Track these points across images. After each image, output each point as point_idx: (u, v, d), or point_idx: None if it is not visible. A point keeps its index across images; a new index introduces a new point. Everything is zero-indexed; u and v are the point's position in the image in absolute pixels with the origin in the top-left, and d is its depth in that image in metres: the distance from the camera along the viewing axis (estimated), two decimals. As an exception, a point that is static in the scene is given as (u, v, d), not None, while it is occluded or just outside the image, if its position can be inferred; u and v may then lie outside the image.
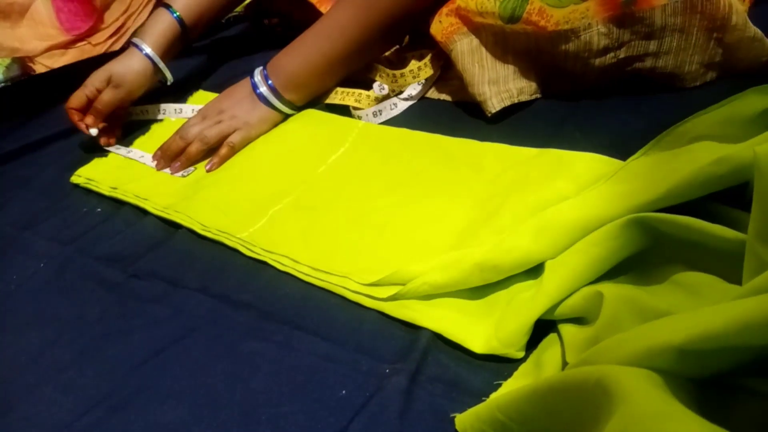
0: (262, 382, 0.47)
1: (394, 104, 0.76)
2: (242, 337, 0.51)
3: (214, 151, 0.75)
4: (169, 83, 0.86)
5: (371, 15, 0.72)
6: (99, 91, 0.80)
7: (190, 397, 0.47)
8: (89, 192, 0.75)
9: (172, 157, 0.76)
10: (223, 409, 0.46)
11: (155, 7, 0.88)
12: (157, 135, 0.83)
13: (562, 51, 0.64)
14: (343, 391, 0.45)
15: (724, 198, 0.43)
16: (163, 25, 0.83)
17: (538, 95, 0.71)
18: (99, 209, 0.72)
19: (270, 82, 0.76)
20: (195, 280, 0.58)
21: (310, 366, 0.47)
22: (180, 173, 0.74)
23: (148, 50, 0.82)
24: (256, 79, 0.77)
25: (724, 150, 0.42)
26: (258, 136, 0.77)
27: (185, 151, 0.75)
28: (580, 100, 0.68)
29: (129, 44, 0.84)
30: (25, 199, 0.77)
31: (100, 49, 1.11)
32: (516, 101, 0.69)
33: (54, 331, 0.56)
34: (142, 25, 0.85)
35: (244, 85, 0.78)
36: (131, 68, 0.81)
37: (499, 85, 0.68)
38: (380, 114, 0.75)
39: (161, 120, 0.86)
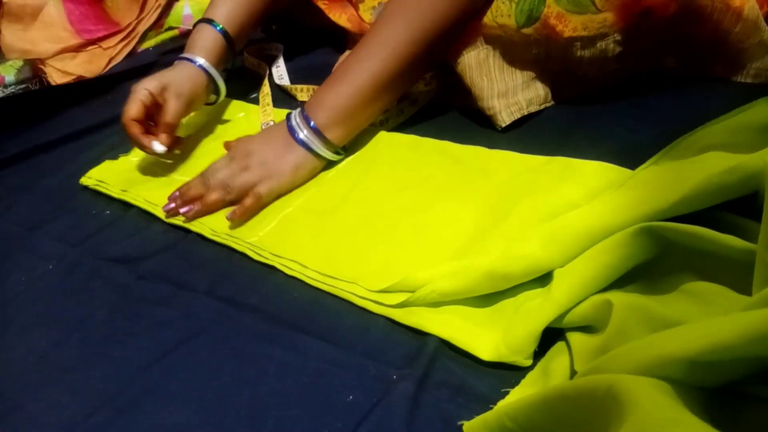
0: (268, 386, 0.47)
1: (400, 110, 0.76)
2: (249, 341, 0.51)
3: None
4: (220, 100, 0.81)
5: (424, 25, 0.65)
6: (155, 100, 0.72)
7: (196, 400, 0.47)
8: (98, 194, 0.75)
9: (188, 201, 0.67)
10: (229, 412, 0.46)
11: (195, 24, 0.82)
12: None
13: (577, 57, 0.64)
14: (350, 396, 0.45)
15: (734, 207, 0.43)
16: (209, 39, 0.79)
17: (549, 103, 0.71)
18: (108, 211, 0.72)
19: (312, 123, 0.66)
20: (203, 283, 0.58)
21: (317, 370, 0.48)
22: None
23: (201, 61, 0.77)
24: (293, 122, 0.68)
25: (734, 159, 0.42)
26: (290, 188, 0.67)
27: (203, 198, 0.66)
28: (587, 108, 0.68)
29: (177, 59, 0.78)
30: (34, 200, 0.78)
31: (111, 53, 1.12)
32: (526, 113, 0.69)
33: (61, 332, 0.56)
34: (186, 42, 0.80)
35: (279, 127, 0.70)
36: (189, 78, 0.75)
37: (508, 97, 0.68)
38: (387, 122, 0.75)
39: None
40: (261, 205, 0.66)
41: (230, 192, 0.66)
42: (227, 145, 0.74)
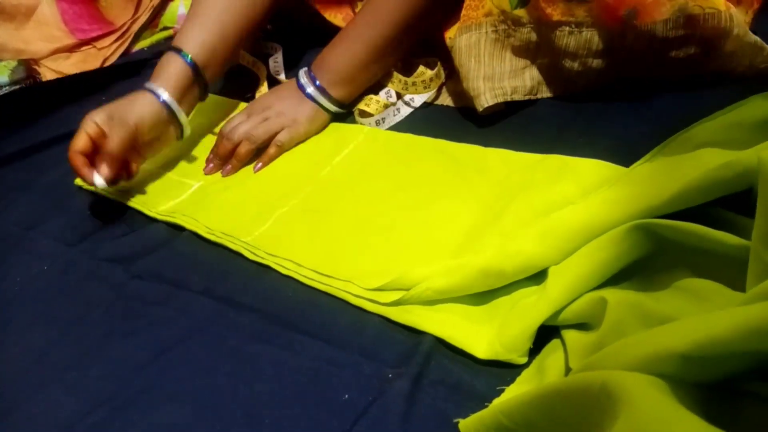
0: (265, 385, 0.47)
1: (397, 110, 0.76)
2: (245, 340, 0.51)
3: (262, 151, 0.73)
4: (184, 137, 0.75)
5: None
6: (102, 131, 0.67)
7: (193, 399, 0.47)
8: (93, 194, 0.75)
9: (223, 158, 0.73)
10: (225, 411, 0.46)
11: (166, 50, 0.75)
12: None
13: (562, 46, 0.64)
14: (346, 395, 0.45)
15: (729, 204, 0.44)
16: (175, 71, 0.72)
17: (532, 96, 0.71)
18: (103, 211, 0.72)
19: (317, 82, 0.74)
20: (199, 283, 0.58)
21: (313, 369, 0.48)
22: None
23: (166, 97, 0.71)
24: (302, 80, 0.75)
25: (729, 155, 0.42)
26: (306, 136, 0.75)
27: (235, 152, 0.73)
28: (582, 106, 0.68)
29: (140, 88, 0.73)
30: (30, 200, 0.78)
31: (105, 53, 1.12)
32: (509, 99, 0.69)
33: (58, 332, 0.56)
34: (155, 69, 0.74)
35: (288, 84, 0.77)
36: (140, 108, 0.70)
37: (494, 81, 0.68)
38: (383, 122, 0.75)
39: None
40: (282, 151, 0.74)
41: (255, 142, 0.72)
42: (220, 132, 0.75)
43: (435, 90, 0.77)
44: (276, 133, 0.73)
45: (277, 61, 0.90)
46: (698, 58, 0.63)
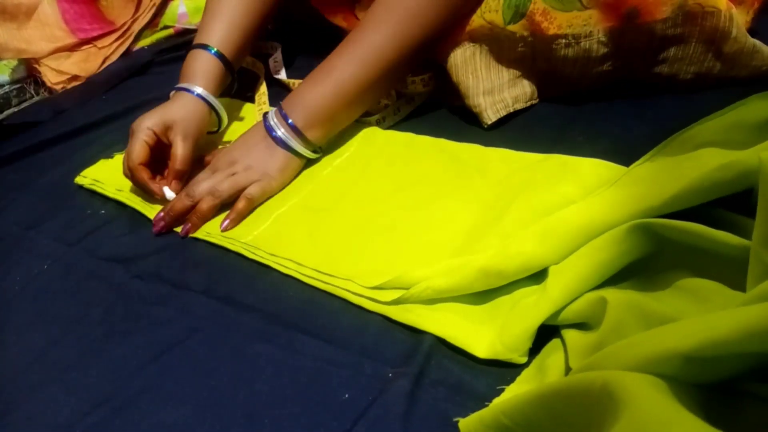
0: (265, 385, 0.47)
1: (397, 109, 0.76)
2: (246, 340, 0.51)
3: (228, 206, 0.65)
4: (220, 129, 0.77)
5: (411, 31, 0.64)
6: (158, 138, 0.69)
7: (193, 399, 0.47)
8: (93, 193, 0.75)
9: (177, 217, 0.65)
10: (226, 410, 0.46)
11: (188, 49, 0.77)
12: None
13: (561, 56, 0.65)
14: (347, 395, 0.45)
15: (729, 204, 0.44)
16: (205, 65, 0.74)
17: (534, 101, 0.71)
18: (103, 211, 0.72)
19: (290, 120, 0.66)
20: (199, 283, 0.58)
21: (314, 369, 0.48)
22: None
23: (199, 90, 0.72)
24: (271, 121, 0.67)
25: (729, 156, 0.42)
26: (279, 189, 0.67)
27: (196, 208, 0.64)
28: (583, 106, 0.68)
29: (174, 90, 0.74)
30: (30, 199, 0.78)
31: (106, 52, 1.12)
32: (512, 110, 0.69)
33: (58, 331, 0.56)
34: (182, 70, 0.75)
35: (256, 129, 0.69)
36: (193, 113, 0.70)
37: (494, 95, 0.68)
38: (384, 121, 0.75)
39: None
40: (253, 206, 0.65)
41: (220, 197, 0.64)
42: (206, 160, 0.72)
43: (433, 86, 0.77)
44: (244, 188, 0.65)
45: (276, 60, 0.90)
46: (698, 60, 0.63)
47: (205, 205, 0.64)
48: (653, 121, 0.64)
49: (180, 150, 0.68)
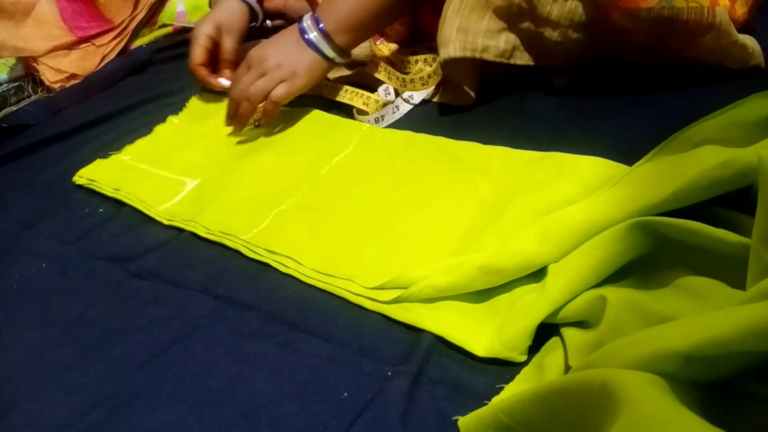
0: (264, 383, 0.47)
1: (396, 107, 0.76)
2: (244, 338, 0.51)
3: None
4: (258, 23, 0.90)
5: None
6: (213, 41, 0.81)
7: (191, 398, 0.47)
8: (91, 192, 0.75)
9: (232, 116, 0.77)
10: (224, 409, 0.46)
11: None
12: (159, 139, 0.83)
13: (545, 13, 0.64)
14: (345, 393, 0.45)
15: (729, 202, 0.43)
16: None
17: (504, 59, 0.70)
18: (101, 209, 0.72)
19: (321, 26, 0.73)
20: (197, 281, 0.58)
21: (312, 367, 0.47)
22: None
23: None
24: (305, 24, 0.74)
25: (728, 153, 0.42)
26: (304, 89, 0.75)
27: (238, 113, 0.75)
28: (582, 104, 0.68)
29: None
30: (27, 199, 0.77)
31: (104, 51, 1.12)
32: (478, 56, 0.68)
33: (56, 331, 0.56)
34: None
35: (291, 31, 0.76)
36: (236, 13, 0.84)
37: (467, 35, 0.67)
38: (382, 120, 0.75)
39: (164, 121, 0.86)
40: (279, 107, 0.74)
41: (254, 102, 0.74)
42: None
43: (433, 87, 0.77)
44: (271, 89, 0.73)
45: None
46: (678, 47, 0.63)
47: (242, 109, 0.75)
48: (652, 119, 0.64)
49: (227, 44, 0.82)
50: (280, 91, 0.73)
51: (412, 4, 0.78)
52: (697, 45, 0.62)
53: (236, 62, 0.81)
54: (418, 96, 0.77)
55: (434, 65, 0.76)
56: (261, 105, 0.75)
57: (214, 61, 0.84)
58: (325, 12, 0.74)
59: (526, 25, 0.67)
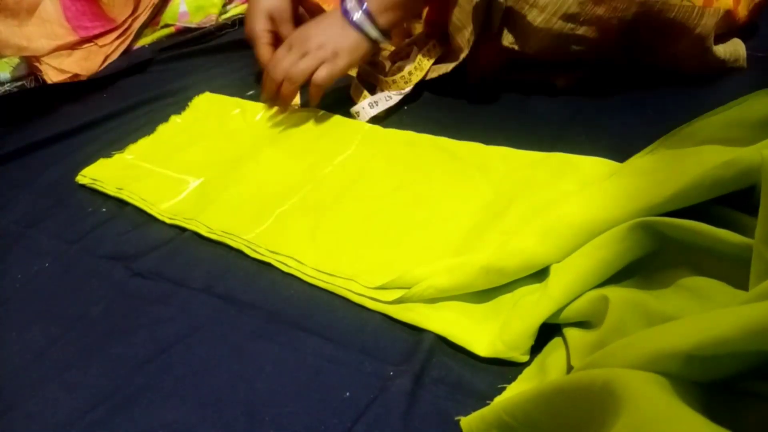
0: (266, 383, 0.47)
1: (389, 96, 0.76)
2: (246, 338, 0.51)
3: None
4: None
5: None
6: (273, 34, 0.80)
7: (194, 397, 0.47)
8: (94, 191, 0.75)
9: (272, 96, 0.77)
10: (226, 408, 0.46)
11: None
12: (162, 138, 0.83)
13: None
14: (347, 393, 0.45)
15: (731, 202, 0.43)
16: None
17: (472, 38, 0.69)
18: (104, 209, 0.72)
19: (365, 6, 0.72)
20: (200, 280, 0.58)
21: (314, 367, 0.47)
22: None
23: None
24: (348, 5, 0.73)
25: (731, 153, 0.42)
26: (346, 70, 0.74)
27: (279, 93, 0.75)
28: (584, 103, 0.68)
29: None
30: (30, 197, 0.77)
31: (107, 50, 1.12)
32: None
33: (58, 329, 0.56)
34: None
35: (333, 12, 0.75)
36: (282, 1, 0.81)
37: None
38: (376, 105, 0.75)
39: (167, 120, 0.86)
40: (324, 89, 0.74)
41: (295, 82, 0.73)
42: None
43: (417, 81, 0.78)
44: (314, 70, 0.73)
45: None
46: (658, 44, 0.64)
47: (285, 90, 0.75)
48: (654, 119, 0.64)
49: (286, 34, 0.79)
50: (322, 73, 0.72)
51: None
52: (671, 49, 0.62)
53: None
54: (407, 89, 0.78)
55: (415, 61, 0.77)
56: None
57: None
58: None
59: (511, 2, 0.66)
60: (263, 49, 0.80)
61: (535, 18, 0.65)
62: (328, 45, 0.73)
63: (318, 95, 0.74)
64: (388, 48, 0.84)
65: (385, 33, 0.74)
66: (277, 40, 0.81)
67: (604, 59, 0.67)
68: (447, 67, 0.75)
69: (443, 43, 0.78)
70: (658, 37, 0.63)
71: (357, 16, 0.72)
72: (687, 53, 0.63)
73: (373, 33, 0.73)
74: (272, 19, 0.80)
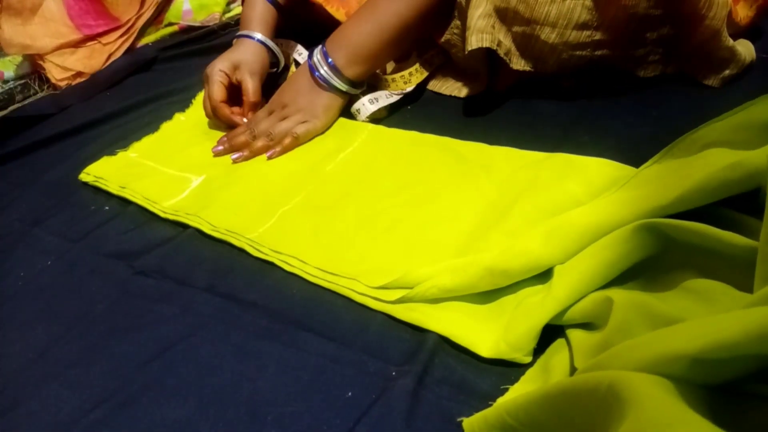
0: (268, 382, 0.47)
1: (389, 94, 0.76)
2: (249, 337, 0.51)
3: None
4: (279, 69, 0.88)
5: None
6: (230, 80, 0.80)
7: (196, 396, 0.47)
8: (97, 190, 0.75)
9: (237, 148, 0.75)
10: (229, 407, 0.46)
11: None
12: (166, 136, 0.83)
13: (543, 13, 0.64)
14: (350, 393, 0.45)
15: (736, 204, 0.43)
16: (262, 12, 0.84)
17: (507, 59, 0.68)
18: (107, 207, 0.72)
19: (330, 60, 0.73)
20: (202, 279, 0.58)
21: (317, 366, 0.47)
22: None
23: (259, 36, 0.83)
24: (314, 59, 0.74)
25: (736, 155, 0.42)
26: (323, 129, 0.75)
27: (251, 145, 0.74)
28: (588, 105, 0.68)
29: (236, 37, 0.85)
30: (33, 196, 0.78)
31: (111, 49, 1.12)
32: (494, 48, 0.67)
33: (61, 328, 0.56)
34: (241, 17, 0.87)
35: (303, 71, 0.76)
36: (255, 54, 0.82)
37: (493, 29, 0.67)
38: (377, 101, 0.75)
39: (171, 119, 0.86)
40: (298, 144, 0.74)
41: (273, 139, 0.74)
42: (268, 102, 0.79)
43: (415, 84, 0.78)
44: (292, 129, 0.74)
45: (300, 54, 0.91)
46: (670, 41, 0.64)
47: (260, 143, 0.74)
48: (659, 120, 0.63)
49: (250, 85, 0.79)
50: (301, 129, 0.73)
51: (429, 27, 0.76)
52: (687, 34, 0.62)
53: (259, 104, 0.80)
54: (409, 85, 0.78)
55: (415, 65, 0.77)
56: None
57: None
58: (335, 44, 0.73)
59: (519, 25, 0.66)
60: (216, 88, 0.79)
61: (549, 35, 0.65)
62: (306, 109, 0.74)
63: (291, 146, 0.74)
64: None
65: (356, 84, 0.75)
66: (231, 94, 0.81)
67: (621, 61, 0.67)
68: (461, 91, 0.76)
69: (446, 53, 0.79)
70: (672, 28, 0.63)
71: (323, 71, 0.73)
72: (702, 49, 0.63)
73: (343, 87, 0.74)
74: (236, 67, 0.80)
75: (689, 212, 0.43)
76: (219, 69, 0.79)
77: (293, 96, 0.75)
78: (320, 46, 0.74)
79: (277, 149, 0.73)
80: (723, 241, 0.39)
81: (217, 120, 0.80)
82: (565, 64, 0.67)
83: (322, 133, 0.75)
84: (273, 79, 0.88)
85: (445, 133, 0.69)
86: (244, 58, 0.81)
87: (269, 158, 0.72)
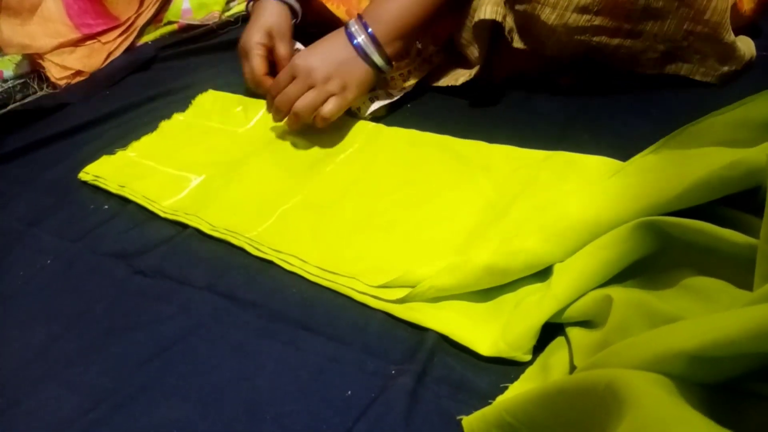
0: (267, 381, 0.47)
1: (389, 92, 0.76)
2: (248, 336, 0.51)
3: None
4: (298, 20, 0.85)
5: None
6: (268, 48, 0.78)
7: (195, 395, 0.47)
8: (96, 189, 0.75)
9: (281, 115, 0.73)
10: (228, 406, 0.46)
11: None
12: (165, 136, 0.83)
13: None
14: (349, 392, 0.45)
15: (736, 202, 0.43)
16: None
17: (509, 36, 0.68)
18: (106, 206, 0.72)
19: (370, 30, 0.69)
20: (201, 278, 0.58)
21: (316, 365, 0.47)
22: None
23: None
24: (352, 28, 0.70)
25: (736, 154, 0.42)
26: (353, 103, 0.72)
27: (287, 123, 0.72)
28: (587, 102, 0.68)
29: (251, 2, 0.83)
30: (32, 195, 0.77)
31: (110, 48, 1.12)
32: (500, 21, 0.67)
33: (60, 327, 0.56)
34: None
35: (336, 36, 0.71)
36: (280, 15, 0.79)
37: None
38: (377, 99, 0.75)
39: (169, 118, 0.86)
40: (329, 122, 0.70)
41: (302, 117, 0.70)
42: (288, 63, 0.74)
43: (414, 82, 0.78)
44: (321, 104, 0.69)
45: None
46: (670, 37, 0.63)
47: (291, 123, 0.72)
48: (658, 119, 0.63)
49: (282, 50, 0.77)
50: (331, 108, 0.69)
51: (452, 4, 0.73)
52: (687, 31, 0.62)
53: None
54: (411, 80, 0.78)
55: (415, 62, 0.77)
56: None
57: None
58: (372, 15, 0.70)
59: (522, 5, 0.66)
60: (257, 61, 0.77)
61: (549, 16, 0.65)
62: (336, 78, 0.69)
63: (323, 126, 0.71)
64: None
65: (390, 63, 0.72)
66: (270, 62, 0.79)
67: (620, 54, 0.67)
68: (456, 80, 0.76)
69: (446, 52, 0.79)
70: (673, 21, 0.63)
71: (361, 39, 0.69)
72: (703, 43, 0.63)
73: (380, 61, 0.70)
74: (270, 35, 0.78)
75: (689, 210, 0.43)
76: (257, 42, 0.77)
77: (323, 59, 0.69)
78: (356, 17, 0.71)
79: (318, 130, 0.71)
80: (723, 239, 0.39)
81: (263, 92, 0.77)
82: (564, 48, 0.67)
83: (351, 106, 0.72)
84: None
85: (445, 130, 0.69)
86: (272, 21, 0.78)
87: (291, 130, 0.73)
